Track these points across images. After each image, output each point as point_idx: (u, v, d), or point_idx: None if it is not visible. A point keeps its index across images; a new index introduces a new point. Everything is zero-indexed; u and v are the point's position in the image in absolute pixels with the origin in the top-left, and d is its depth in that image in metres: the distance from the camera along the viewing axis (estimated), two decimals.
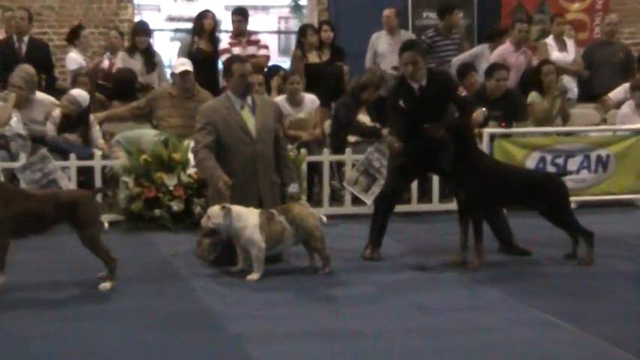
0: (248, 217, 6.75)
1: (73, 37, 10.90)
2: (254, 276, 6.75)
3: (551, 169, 9.64)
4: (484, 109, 7.56)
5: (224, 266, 7.03)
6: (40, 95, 9.36)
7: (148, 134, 9.42)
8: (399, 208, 8.03)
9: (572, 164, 9.82)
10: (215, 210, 6.64)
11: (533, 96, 10.44)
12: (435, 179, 9.62)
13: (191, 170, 8.89)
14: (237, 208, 6.69)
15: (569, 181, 8.47)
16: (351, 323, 5.40)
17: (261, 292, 6.25)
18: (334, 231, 8.44)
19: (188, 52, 10.75)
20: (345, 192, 9.74)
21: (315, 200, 9.70)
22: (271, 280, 6.67)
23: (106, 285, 6.39)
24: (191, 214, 8.91)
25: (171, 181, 8.98)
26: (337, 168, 9.85)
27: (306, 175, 9.39)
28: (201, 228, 6.84)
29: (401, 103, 7.09)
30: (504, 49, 11.17)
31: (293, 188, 7.35)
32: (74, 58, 10.64)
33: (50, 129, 9.09)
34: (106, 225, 8.77)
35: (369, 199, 9.51)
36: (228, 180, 6.76)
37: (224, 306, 5.88)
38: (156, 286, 6.45)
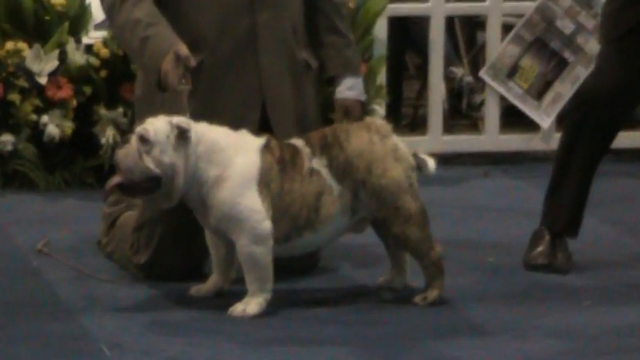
0: (232, 155, 4.47)
1: None
2: (249, 307, 4.40)
3: None
4: None
5: (170, 281, 4.77)
6: None
7: None
8: (623, 140, 5.63)
9: None
10: (156, 127, 4.32)
11: None
12: None
13: (95, 34, 6.37)
14: (207, 130, 4.50)
15: None
16: None
17: (263, 350, 4.15)
18: (454, 195, 6.03)
19: None
20: (483, 97, 6.96)
21: (407, 118, 7.33)
22: (290, 317, 4.45)
23: None
24: (91, 148, 6.28)
25: (42, 64, 6.20)
26: (464, 33, 7.45)
27: (386, 54, 6.81)
28: (114, 180, 4.49)
29: None
30: None
31: (351, 89, 4.84)
32: None
33: None
34: None
35: (545, 117, 6.80)
36: (188, 54, 4.45)
37: None
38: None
